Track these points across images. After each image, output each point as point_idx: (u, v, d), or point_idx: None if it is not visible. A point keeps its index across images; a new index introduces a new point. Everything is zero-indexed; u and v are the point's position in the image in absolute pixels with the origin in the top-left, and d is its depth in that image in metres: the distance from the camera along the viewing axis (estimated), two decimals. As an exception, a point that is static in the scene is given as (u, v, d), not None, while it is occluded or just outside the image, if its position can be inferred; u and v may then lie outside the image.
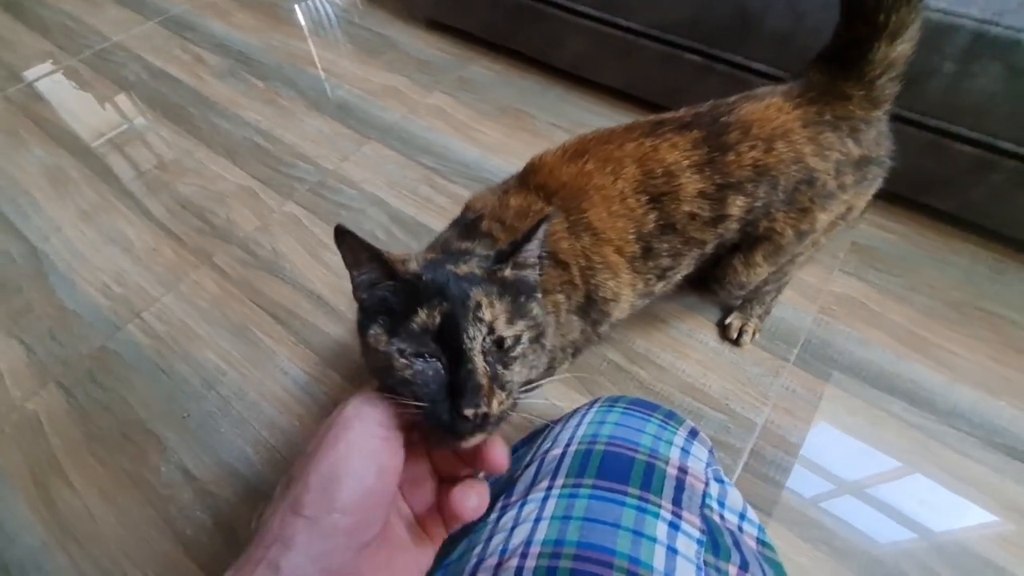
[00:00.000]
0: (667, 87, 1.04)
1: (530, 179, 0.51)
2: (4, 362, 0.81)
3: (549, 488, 0.41)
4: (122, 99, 1.25)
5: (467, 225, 0.49)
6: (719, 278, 0.57)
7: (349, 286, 0.36)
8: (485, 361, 0.33)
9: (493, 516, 0.42)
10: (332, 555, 0.26)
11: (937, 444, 0.68)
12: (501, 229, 0.47)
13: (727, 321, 0.78)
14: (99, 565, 0.63)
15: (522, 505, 0.40)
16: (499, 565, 0.35)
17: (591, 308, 0.51)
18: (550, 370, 0.56)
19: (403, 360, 0.33)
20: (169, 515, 0.67)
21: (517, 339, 0.36)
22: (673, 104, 0.54)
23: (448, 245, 0.46)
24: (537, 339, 0.37)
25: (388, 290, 0.35)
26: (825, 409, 0.72)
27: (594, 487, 0.40)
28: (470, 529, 0.45)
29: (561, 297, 0.49)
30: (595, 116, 1.15)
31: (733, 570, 0.38)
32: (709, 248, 0.52)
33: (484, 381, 0.32)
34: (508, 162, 1.06)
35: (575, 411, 0.51)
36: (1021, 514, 0.63)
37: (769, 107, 0.50)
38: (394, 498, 0.31)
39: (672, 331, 0.80)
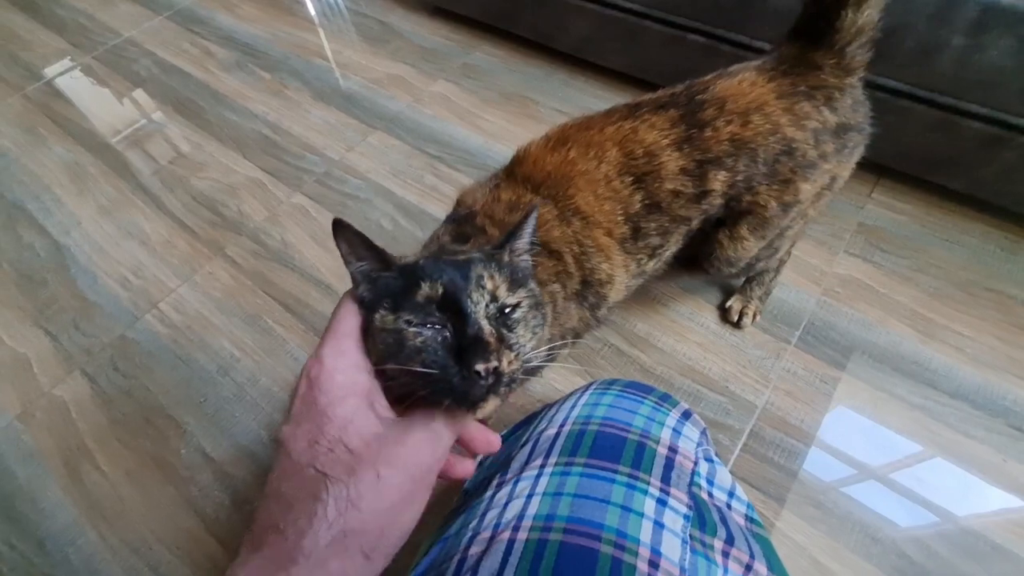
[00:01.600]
0: (672, 69, 1.03)
1: (517, 171, 0.52)
2: (32, 351, 0.85)
3: (542, 466, 0.42)
4: (135, 95, 1.28)
5: (460, 221, 0.50)
6: (708, 255, 0.57)
7: (356, 275, 0.37)
8: (491, 325, 0.34)
9: (489, 493, 0.44)
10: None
11: (940, 424, 0.68)
12: (492, 224, 0.49)
13: (728, 304, 0.79)
14: (127, 541, 0.68)
15: (516, 482, 0.42)
16: (493, 538, 0.37)
17: (588, 292, 0.52)
18: (551, 356, 0.58)
19: (412, 330, 0.33)
20: (191, 495, 0.71)
21: (518, 305, 0.37)
22: (679, 86, 0.55)
23: (443, 250, 0.47)
24: (536, 307, 0.39)
25: (389, 278, 0.36)
26: (827, 391, 0.72)
27: (586, 465, 0.41)
28: (468, 505, 0.47)
29: (556, 287, 0.50)
30: (599, 100, 1.14)
31: (719, 544, 0.39)
32: (695, 224, 0.53)
33: (491, 339, 0.33)
34: (512, 149, 1.03)
35: (571, 393, 0.52)
36: (1020, 494, 0.63)
37: (743, 82, 0.50)
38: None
39: (673, 314, 0.81)
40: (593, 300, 0.53)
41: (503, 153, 1.07)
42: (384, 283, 0.36)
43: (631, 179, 0.49)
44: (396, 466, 0.28)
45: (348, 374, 0.31)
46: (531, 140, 0.54)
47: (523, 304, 0.37)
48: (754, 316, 0.78)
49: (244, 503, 0.70)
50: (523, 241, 0.39)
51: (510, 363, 0.33)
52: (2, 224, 1.02)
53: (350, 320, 0.34)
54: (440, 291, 0.34)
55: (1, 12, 1.55)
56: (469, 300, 0.34)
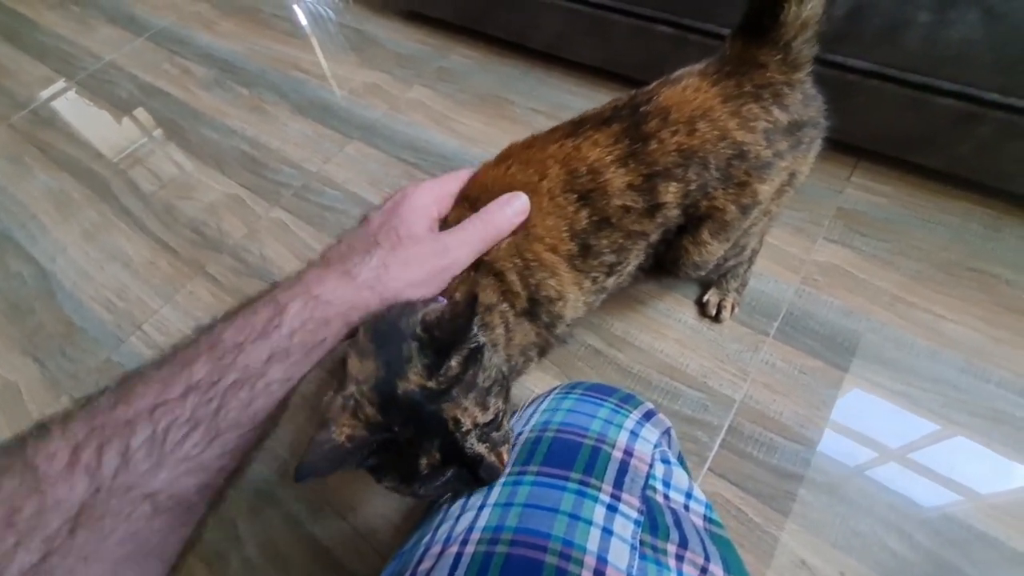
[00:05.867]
0: (644, 61, 1.02)
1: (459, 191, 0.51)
2: (21, 379, 0.87)
3: (497, 476, 0.42)
4: (117, 118, 1.29)
5: None
6: (675, 260, 0.56)
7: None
8: (484, 443, 0.39)
9: (445, 505, 0.44)
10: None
11: (922, 411, 0.67)
12: None
13: (705, 298, 0.78)
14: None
15: (470, 494, 0.42)
16: (442, 552, 0.37)
17: (539, 311, 0.51)
18: (518, 374, 0.57)
19: (432, 492, 0.40)
20: (176, 514, 0.71)
21: (497, 414, 0.40)
22: (652, 79, 0.53)
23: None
24: (498, 382, 0.42)
25: (373, 454, 0.38)
26: (806, 382, 0.71)
27: (538, 474, 0.41)
28: (426, 517, 0.47)
29: (505, 306, 0.49)
30: (575, 97, 1.13)
31: (672, 548, 0.39)
32: (654, 237, 0.52)
33: (494, 459, 0.39)
34: (487, 152, 1.03)
35: (533, 400, 0.52)
36: (1008, 480, 0.62)
37: (686, 89, 0.48)
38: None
39: (650, 311, 0.80)
40: (546, 319, 0.52)
41: (479, 156, 1.06)
42: (370, 459, 0.38)
43: (575, 196, 0.48)
44: (420, 262, 0.43)
45: (426, 202, 0.45)
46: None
47: (500, 410, 0.41)
48: (732, 308, 0.77)
49: (230, 522, 0.70)
50: (465, 339, 0.39)
51: (508, 452, 0.41)
52: (-11, 254, 1.04)
53: (454, 182, 0.49)
54: (438, 456, 0.37)
55: (-15, 43, 1.57)
56: (464, 448, 0.38)
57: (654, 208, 0.49)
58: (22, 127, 1.30)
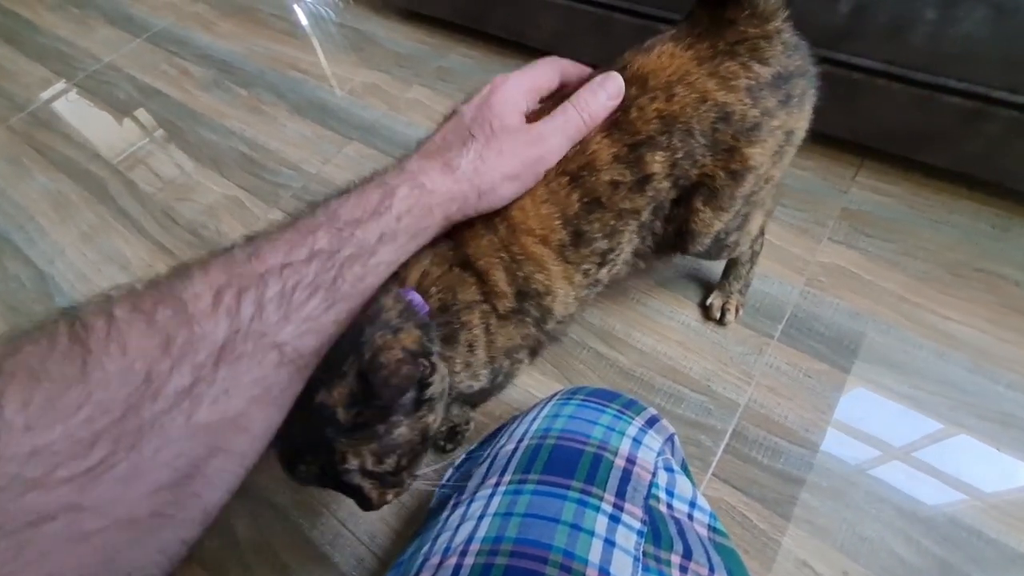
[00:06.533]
0: (645, 60, 1.01)
1: None
2: (19, 383, 0.86)
3: (497, 484, 0.42)
4: (116, 120, 1.29)
5: None
6: (676, 232, 0.54)
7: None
8: (369, 479, 0.41)
9: (444, 514, 0.43)
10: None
11: (930, 414, 0.66)
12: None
13: (708, 302, 0.77)
14: None
15: (470, 503, 0.41)
16: (441, 564, 0.37)
17: (527, 304, 0.49)
18: (508, 376, 0.56)
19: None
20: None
21: (396, 470, 0.42)
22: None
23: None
24: (422, 438, 0.43)
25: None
26: (811, 385, 0.70)
27: (539, 482, 0.40)
28: (426, 526, 0.46)
29: (486, 307, 0.48)
30: (575, 96, 1.12)
31: (676, 559, 0.38)
32: (645, 215, 0.50)
33: (373, 496, 0.42)
34: None
35: (534, 405, 0.51)
36: (1018, 484, 0.61)
37: (661, 55, 0.47)
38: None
39: (652, 313, 0.79)
40: (536, 314, 0.50)
41: (479, 156, 1.06)
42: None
43: (567, 179, 0.46)
44: (514, 152, 0.43)
45: (516, 95, 0.44)
46: None
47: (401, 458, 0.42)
48: (736, 310, 0.76)
49: (227, 529, 0.70)
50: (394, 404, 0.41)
51: (396, 495, 0.45)
52: (-12, 257, 1.04)
53: (544, 76, 0.48)
54: (317, 469, 0.40)
55: (-16, 44, 1.57)
56: (344, 478, 0.40)
57: (643, 180, 0.47)
58: (21, 129, 1.30)
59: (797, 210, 0.86)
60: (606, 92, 0.46)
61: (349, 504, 0.68)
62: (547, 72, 0.49)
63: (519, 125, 0.44)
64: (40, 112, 1.34)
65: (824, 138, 0.88)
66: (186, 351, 0.27)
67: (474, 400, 0.64)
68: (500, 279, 0.47)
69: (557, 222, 0.47)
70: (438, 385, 0.43)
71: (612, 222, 0.49)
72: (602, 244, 0.49)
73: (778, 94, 0.47)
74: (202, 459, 0.28)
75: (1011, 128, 0.71)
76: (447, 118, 0.46)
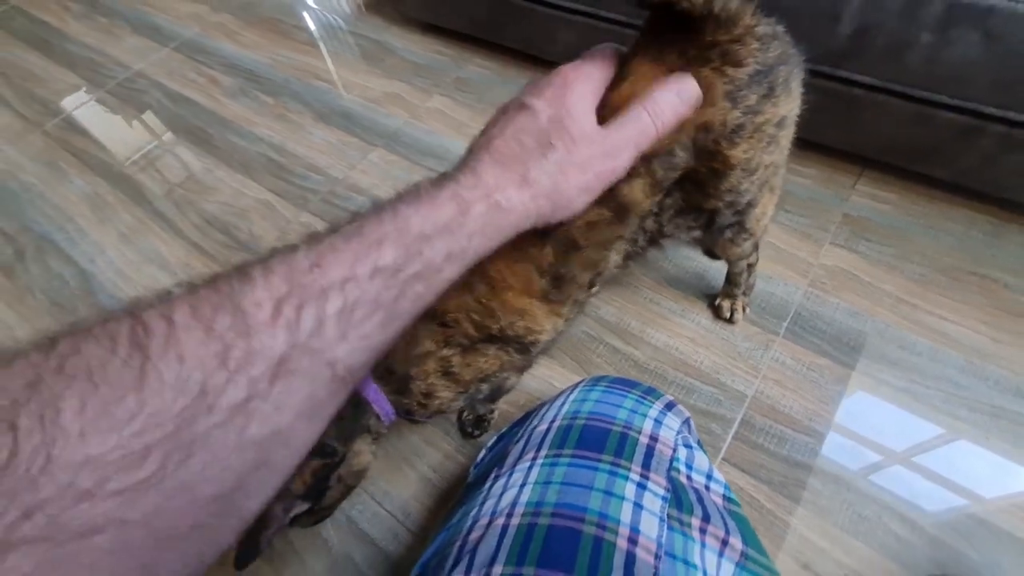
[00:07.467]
0: (657, 73, 1.06)
1: None
2: (67, 374, 0.91)
3: (534, 459, 0.47)
4: (147, 125, 1.35)
5: None
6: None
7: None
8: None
9: (487, 485, 0.48)
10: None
11: (924, 406, 0.71)
12: None
13: (717, 303, 0.82)
14: None
15: (510, 475, 0.46)
16: (489, 524, 0.42)
17: (507, 345, 0.51)
18: (498, 393, 0.61)
19: None
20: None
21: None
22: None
23: None
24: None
25: None
26: (814, 378, 0.75)
27: (573, 456, 0.45)
28: (469, 496, 0.51)
29: (446, 351, 0.50)
30: (589, 106, 1.17)
31: (696, 522, 0.43)
32: (630, 231, 0.49)
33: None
34: None
35: (562, 391, 0.56)
36: (1006, 471, 0.66)
37: (635, 82, 0.43)
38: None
39: (665, 312, 0.84)
40: (517, 345, 0.52)
41: (498, 163, 1.11)
42: None
43: (534, 234, 0.43)
44: (591, 164, 0.40)
45: (590, 93, 0.41)
46: None
47: None
48: (744, 309, 0.81)
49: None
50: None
51: None
52: (33, 256, 1.09)
53: (610, 67, 0.44)
54: None
55: (16, 52, 1.63)
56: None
57: (622, 211, 0.46)
58: (56, 133, 1.35)
59: (801, 216, 0.91)
60: (680, 98, 0.42)
61: (384, 487, 0.74)
62: (612, 63, 0.45)
63: (596, 132, 0.40)
64: (74, 117, 1.39)
65: (826, 149, 0.93)
66: (243, 364, 0.27)
67: (492, 398, 0.70)
68: (468, 327, 0.49)
69: (534, 274, 0.47)
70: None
71: (591, 255, 0.48)
72: (585, 277, 0.49)
73: (760, 89, 0.44)
74: (247, 473, 0.28)
75: (1002, 142, 0.76)
76: (505, 110, 0.41)
